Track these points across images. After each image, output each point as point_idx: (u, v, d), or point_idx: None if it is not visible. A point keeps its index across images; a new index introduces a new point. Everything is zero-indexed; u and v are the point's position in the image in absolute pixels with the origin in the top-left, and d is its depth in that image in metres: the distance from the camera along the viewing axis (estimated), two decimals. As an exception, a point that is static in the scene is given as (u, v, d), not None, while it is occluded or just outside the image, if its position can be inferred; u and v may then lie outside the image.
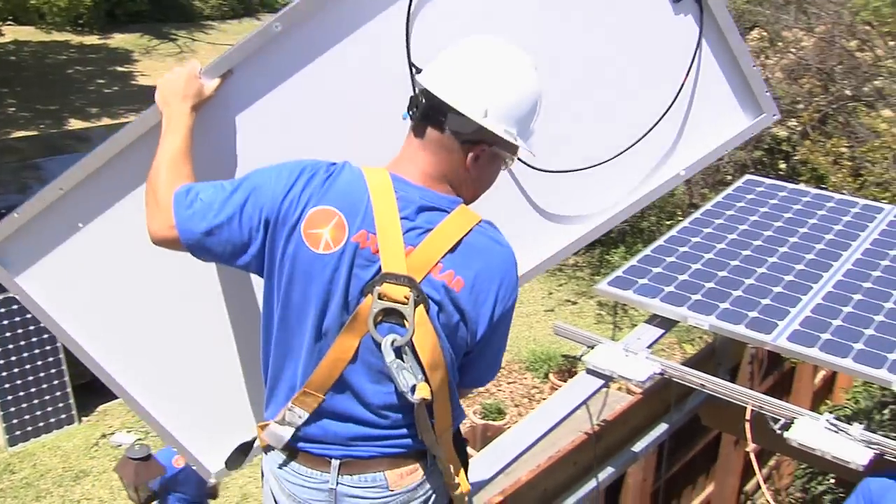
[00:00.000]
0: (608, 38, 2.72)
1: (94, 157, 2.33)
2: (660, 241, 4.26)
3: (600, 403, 3.84)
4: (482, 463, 3.03)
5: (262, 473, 2.26)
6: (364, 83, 2.48)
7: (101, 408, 9.38)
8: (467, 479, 2.25)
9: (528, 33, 2.57)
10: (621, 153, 2.79)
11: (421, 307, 1.94)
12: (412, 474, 2.11)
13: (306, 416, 2.05)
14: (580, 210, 2.86)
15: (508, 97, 2.01)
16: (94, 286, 2.48)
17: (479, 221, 2.04)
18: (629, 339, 3.57)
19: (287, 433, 2.07)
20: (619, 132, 2.81)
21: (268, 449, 2.19)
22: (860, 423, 3.26)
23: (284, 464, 2.14)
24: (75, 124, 18.04)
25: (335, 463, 2.07)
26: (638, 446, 3.89)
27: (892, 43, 9.53)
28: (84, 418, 9.24)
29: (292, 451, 2.13)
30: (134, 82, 21.26)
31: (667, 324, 3.73)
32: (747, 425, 3.41)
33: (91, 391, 9.13)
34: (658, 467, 5.14)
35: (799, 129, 10.20)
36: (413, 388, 1.92)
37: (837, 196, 4.94)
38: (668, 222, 10.54)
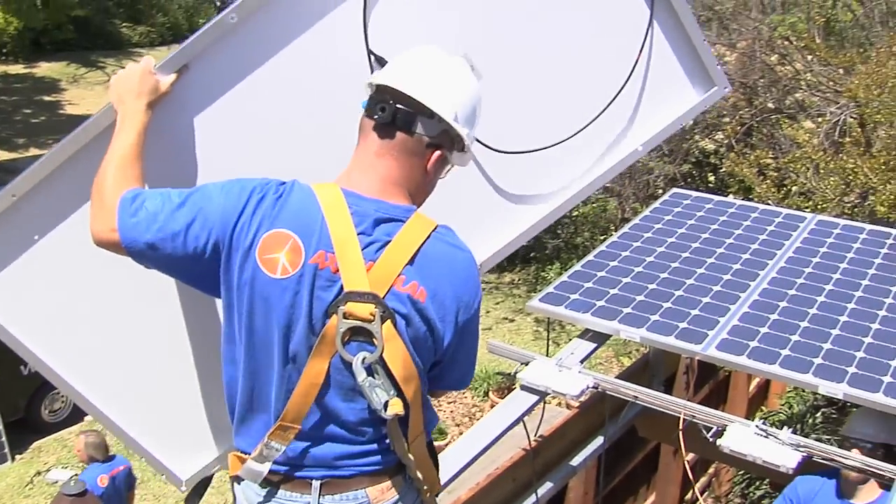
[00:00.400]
0: (560, 20, 2.73)
1: (49, 160, 2.23)
2: (590, 257, 4.33)
3: (538, 419, 3.87)
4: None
5: (234, 497, 2.18)
6: (323, 74, 2.43)
7: (34, 445, 9.14)
8: (439, 481, 2.24)
9: (481, 19, 2.60)
10: (579, 131, 2.80)
11: (388, 322, 1.91)
12: (392, 489, 2.09)
13: (284, 448, 1.99)
14: (540, 190, 2.87)
15: (469, 101, 2.06)
16: (53, 298, 2.38)
17: (436, 227, 2.02)
18: (562, 354, 3.61)
19: (265, 468, 2.02)
20: (575, 112, 2.82)
21: (240, 479, 2.13)
22: (790, 428, 3.34)
23: (262, 489, 2.08)
24: (1, 155, 17.70)
25: (316, 484, 2.03)
26: (576, 460, 3.93)
27: (809, 57, 9.81)
28: (17, 456, 9.00)
29: (270, 479, 2.07)
30: (62, 111, 20.93)
31: (599, 338, 3.79)
32: (680, 434, 3.47)
33: (24, 428, 8.90)
34: (598, 480, 5.19)
35: (726, 141, 10.44)
36: (386, 405, 1.89)
37: (761, 206, 5.07)
38: (601, 237, 10.68)
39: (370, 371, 1.90)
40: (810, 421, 6.70)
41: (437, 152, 2.01)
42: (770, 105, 10.64)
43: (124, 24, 30.41)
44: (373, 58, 2.44)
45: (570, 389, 3.37)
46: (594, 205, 11.24)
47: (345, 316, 1.89)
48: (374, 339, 1.90)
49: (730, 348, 3.61)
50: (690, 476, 3.73)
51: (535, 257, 11.46)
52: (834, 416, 6.71)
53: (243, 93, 2.36)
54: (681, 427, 3.47)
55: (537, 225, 2.90)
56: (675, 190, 5.22)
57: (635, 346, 9.40)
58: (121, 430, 2.55)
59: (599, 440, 4.05)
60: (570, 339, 3.87)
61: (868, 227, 4.80)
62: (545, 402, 3.58)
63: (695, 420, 3.38)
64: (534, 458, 3.72)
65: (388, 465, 2.08)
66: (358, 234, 1.91)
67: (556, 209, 2.92)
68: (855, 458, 3.27)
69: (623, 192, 10.76)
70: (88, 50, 26.17)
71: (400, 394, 1.95)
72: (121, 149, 2.08)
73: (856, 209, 7.31)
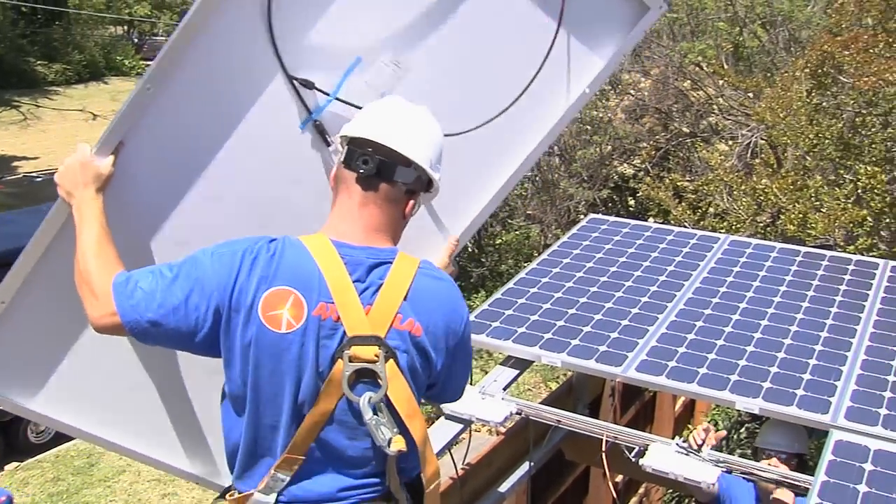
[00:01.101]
0: None
1: (22, 263, 2.30)
2: (510, 284, 4.38)
3: (466, 447, 3.88)
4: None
5: None
6: (252, 114, 2.45)
7: (10, 466, 8.95)
8: None
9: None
10: (519, 96, 2.77)
11: (391, 361, 2.03)
12: None
13: (288, 478, 2.08)
14: (502, 154, 2.88)
15: (438, 147, 2.21)
16: (67, 377, 2.49)
17: (419, 264, 2.14)
18: (485, 381, 3.64)
19: (271, 499, 2.09)
20: (512, 76, 2.78)
21: None
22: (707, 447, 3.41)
23: None
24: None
25: None
26: (504, 486, 3.94)
27: (720, 82, 10.11)
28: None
29: None
30: (-23, 151, 20.48)
31: (522, 364, 3.83)
32: (604, 456, 3.52)
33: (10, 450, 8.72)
34: (531, 505, 5.21)
35: (643, 166, 10.67)
36: (389, 442, 1.99)
37: (676, 229, 5.19)
38: (525, 264, 10.78)
39: (375, 410, 2.01)
40: (735, 437, 6.83)
41: (416, 196, 2.17)
42: (685, 129, 10.94)
43: (39, 63, 29.92)
44: (296, 83, 2.45)
45: (494, 416, 3.40)
46: (517, 232, 11.36)
47: (350, 360, 2.00)
48: (378, 379, 2.02)
49: (649, 369, 3.68)
50: (615, 495, 3.76)
51: (461, 286, 11.50)
52: (757, 430, 6.84)
53: (183, 151, 2.40)
54: (603, 449, 3.52)
55: (507, 184, 2.92)
56: (592, 216, 5.32)
57: (562, 372, 9.49)
58: (153, 460, 2.73)
59: (526, 466, 4.07)
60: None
61: (779, 245, 4.95)
62: (472, 430, 3.60)
63: (617, 441, 3.43)
64: (461, 487, 3.73)
65: (384, 493, 2.16)
66: (353, 282, 2.03)
67: (521, 165, 2.92)
68: (772, 470, 3.36)
69: (545, 218, 10.90)
70: (2, 89, 25.65)
71: (404, 430, 2.05)
72: (90, 239, 2.14)
73: (768, 229, 7.54)
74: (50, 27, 30.93)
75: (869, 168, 6.46)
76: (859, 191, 6.60)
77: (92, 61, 32.90)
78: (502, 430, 3.91)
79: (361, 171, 2.07)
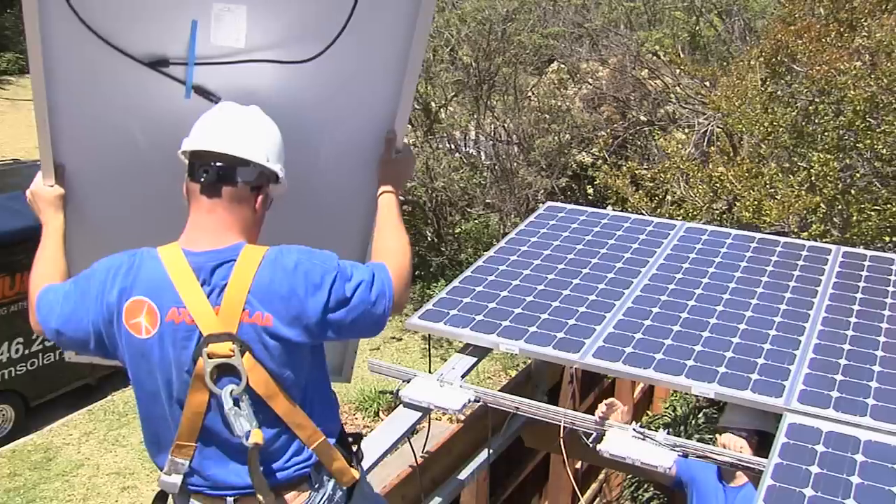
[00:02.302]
0: None
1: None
2: (467, 273, 4.39)
3: (425, 435, 3.88)
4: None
5: None
6: (138, 108, 2.52)
7: None
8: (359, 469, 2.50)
9: None
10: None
11: (247, 354, 2.18)
12: (303, 493, 2.34)
13: (187, 462, 2.28)
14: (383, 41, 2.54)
15: (275, 142, 2.35)
16: None
17: (263, 255, 2.23)
18: (444, 369, 3.64)
19: (177, 480, 2.30)
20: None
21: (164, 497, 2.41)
22: (674, 430, 3.45)
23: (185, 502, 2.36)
24: None
25: (230, 500, 2.31)
26: (463, 474, 3.95)
27: (677, 71, 10.19)
28: None
29: (186, 493, 2.35)
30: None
31: (480, 352, 3.83)
32: (562, 442, 3.54)
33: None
34: (491, 493, 5.23)
35: (602, 154, 10.73)
36: (248, 434, 2.17)
37: (633, 216, 5.23)
38: (485, 253, 10.80)
39: (237, 401, 2.19)
40: (693, 422, 6.90)
41: (264, 190, 2.32)
42: (642, 118, 11.00)
43: (-9, 52, 29.35)
44: (153, 67, 2.46)
45: (452, 404, 3.41)
46: (476, 221, 11.37)
47: (209, 356, 2.17)
48: (237, 373, 2.18)
49: (606, 355, 3.71)
50: (574, 483, 3.80)
51: (420, 275, 11.50)
52: (715, 416, 6.92)
53: (109, 161, 2.57)
54: (561, 435, 3.54)
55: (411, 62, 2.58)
56: (549, 203, 5.34)
57: (522, 360, 9.54)
58: None
59: (486, 453, 4.08)
60: (455, 355, 3.91)
61: (734, 232, 5.01)
62: (431, 419, 3.61)
63: (575, 427, 3.46)
64: (421, 475, 3.73)
65: (293, 478, 2.33)
66: (202, 285, 2.20)
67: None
68: (727, 454, 3.40)
69: (504, 207, 10.92)
70: (-47, 79, 25.16)
71: (268, 411, 2.23)
72: (39, 255, 2.50)
73: (724, 216, 7.61)
74: (1, 15, 30.35)
75: (822, 156, 6.54)
76: (812, 178, 6.68)
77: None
78: (461, 417, 3.91)
79: (202, 180, 2.23)
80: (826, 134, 6.91)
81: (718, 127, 9.26)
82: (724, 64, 9.86)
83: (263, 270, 2.20)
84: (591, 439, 3.48)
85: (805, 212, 6.66)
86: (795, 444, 3.20)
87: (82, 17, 2.30)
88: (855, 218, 6.43)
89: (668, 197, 8.31)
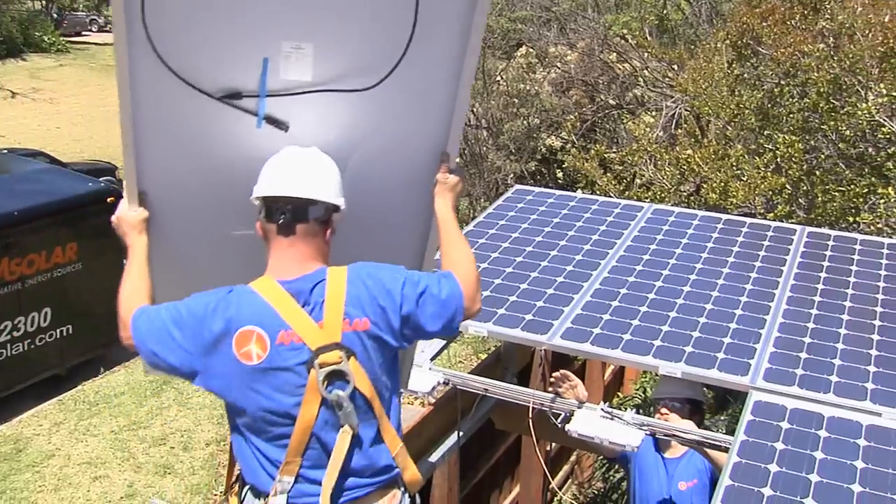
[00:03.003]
0: None
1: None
2: (436, 256, 4.38)
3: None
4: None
5: None
6: (214, 142, 2.69)
7: None
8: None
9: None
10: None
11: (352, 358, 2.43)
12: (396, 497, 2.60)
13: (293, 479, 2.48)
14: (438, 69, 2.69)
15: (336, 179, 2.58)
16: None
17: (346, 270, 2.50)
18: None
19: (283, 500, 2.49)
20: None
21: None
22: (636, 410, 3.49)
23: None
24: None
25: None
26: (434, 456, 3.97)
27: (645, 55, 10.23)
28: None
29: None
30: None
31: (449, 335, 3.84)
32: (531, 423, 3.57)
33: None
34: (463, 475, 5.25)
35: (571, 138, 10.76)
36: (354, 425, 2.43)
37: (601, 199, 5.26)
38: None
39: (348, 400, 2.42)
40: (662, 403, 6.96)
41: (332, 223, 2.56)
42: (611, 101, 11.04)
43: (-47, 39, 28.95)
44: (226, 100, 2.61)
45: (422, 387, 3.42)
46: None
47: (320, 366, 2.41)
48: (346, 377, 2.43)
49: (574, 336, 3.73)
50: (542, 463, 3.83)
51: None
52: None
53: (186, 191, 2.76)
54: (530, 416, 3.57)
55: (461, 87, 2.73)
56: (517, 187, 5.35)
57: (493, 343, 9.56)
58: None
59: (456, 436, 4.10)
60: (425, 339, 3.92)
61: (700, 213, 5.05)
62: (402, 403, 3.61)
63: (543, 408, 3.48)
64: (392, 458, 3.74)
65: (390, 479, 2.58)
66: (301, 306, 2.44)
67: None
68: (693, 431, 3.44)
69: (473, 191, 10.94)
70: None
71: (371, 410, 2.49)
72: (128, 275, 2.68)
73: (692, 198, 7.66)
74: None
75: (787, 137, 6.60)
76: (778, 160, 6.74)
77: (9, 37, 31.92)
78: (431, 401, 3.93)
79: (280, 221, 2.49)
80: (791, 116, 6.98)
81: (686, 110, 9.32)
82: (692, 47, 9.93)
83: (351, 284, 2.47)
84: (559, 420, 3.51)
85: (771, 193, 6.73)
86: (761, 422, 3.25)
87: (164, 59, 2.49)
88: (820, 199, 6.50)
89: (637, 180, 8.35)
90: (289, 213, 2.49)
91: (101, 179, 11.57)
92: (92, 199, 10.47)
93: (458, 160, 2.80)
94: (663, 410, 3.98)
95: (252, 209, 2.58)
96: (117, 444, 9.18)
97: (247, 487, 2.62)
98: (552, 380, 3.66)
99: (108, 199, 10.50)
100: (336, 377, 2.44)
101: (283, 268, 2.51)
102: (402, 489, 2.65)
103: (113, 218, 2.77)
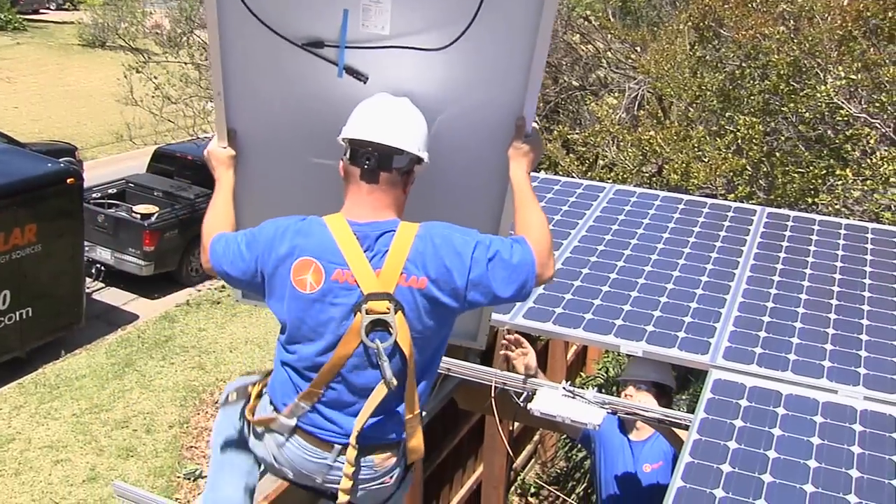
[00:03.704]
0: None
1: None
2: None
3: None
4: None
5: (254, 432, 2.80)
6: (297, 87, 2.81)
7: None
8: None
9: None
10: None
11: (399, 313, 2.47)
12: (392, 458, 2.68)
13: (309, 407, 2.60)
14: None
15: (423, 131, 2.60)
16: None
17: (418, 227, 2.53)
18: (376, 333, 3.64)
19: (293, 422, 2.64)
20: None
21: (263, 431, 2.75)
22: (598, 390, 3.52)
23: (287, 439, 2.68)
24: None
25: (337, 447, 2.63)
26: (397, 437, 3.98)
27: (609, 36, 10.25)
28: None
29: (293, 430, 2.67)
30: None
31: (412, 315, 3.83)
32: (493, 402, 3.58)
33: None
34: (427, 455, 5.26)
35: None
36: (391, 380, 2.45)
37: (563, 179, 5.28)
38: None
39: (387, 352, 2.46)
40: (624, 382, 7.02)
41: (413, 174, 2.60)
42: (574, 83, 11.05)
43: None
44: (308, 48, 2.71)
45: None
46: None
47: (367, 312, 2.46)
48: (389, 329, 2.46)
49: (536, 316, 3.75)
50: (506, 443, 3.85)
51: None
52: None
53: (272, 131, 2.93)
54: (493, 395, 3.59)
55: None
56: (481, 167, 5.34)
57: (459, 324, 9.59)
58: None
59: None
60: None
61: (662, 193, 5.09)
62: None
63: (506, 387, 3.50)
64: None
65: (392, 440, 2.66)
66: (364, 251, 2.50)
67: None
68: (654, 409, 3.48)
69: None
70: None
71: (405, 368, 2.52)
72: (212, 206, 2.87)
73: (653, 179, 7.71)
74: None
75: (748, 119, 6.66)
76: (739, 141, 6.80)
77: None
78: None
79: (365, 166, 2.52)
80: (752, 98, 7.04)
81: (649, 91, 9.36)
82: (654, 29, 9.96)
83: (419, 241, 2.49)
84: (521, 399, 3.53)
85: (731, 174, 6.79)
86: (720, 400, 3.29)
87: (251, 8, 2.66)
88: (779, 180, 6.57)
89: (600, 161, 8.38)
90: (374, 160, 2.53)
91: (60, 160, 11.35)
92: (51, 179, 10.29)
93: (535, 125, 2.77)
94: (630, 392, 4.00)
95: (335, 148, 2.64)
96: (79, 427, 9.11)
97: (267, 394, 2.76)
98: (504, 342, 3.67)
99: (68, 180, 10.37)
100: (379, 326, 2.48)
101: (358, 211, 2.57)
102: (400, 454, 2.72)
103: (204, 152, 2.98)
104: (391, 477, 2.74)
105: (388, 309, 2.47)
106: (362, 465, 2.65)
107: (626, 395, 3.98)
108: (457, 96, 2.78)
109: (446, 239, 2.50)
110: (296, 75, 2.80)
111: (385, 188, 2.56)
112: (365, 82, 2.73)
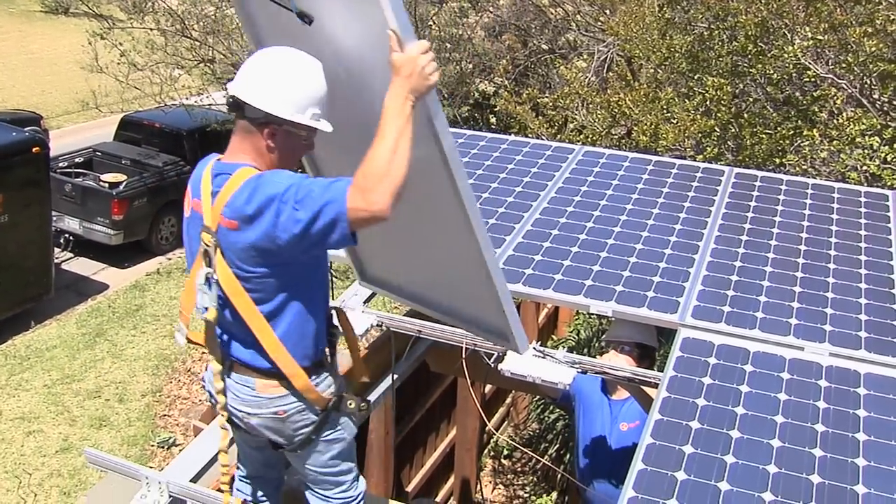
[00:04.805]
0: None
1: None
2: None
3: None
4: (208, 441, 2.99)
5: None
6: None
7: None
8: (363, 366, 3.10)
9: None
10: None
11: (218, 250, 2.61)
12: (275, 388, 2.74)
13: (185, 327, 2.81)
14: None
15: (298, 93, 2.61)
16: None
17: (252, 174, 2.59)
18: (345, 295, 3.65)
19: (182, 340, 2.84)
20: None
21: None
22: (566, 350, 3.54)
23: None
24: None
25: (228, 363, 2.79)
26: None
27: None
28: None
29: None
30: None
31: (382, 278, 3.83)
32: (464, 363, 3.59)
33: None
34: (399, 419, 5.29)
35: (503, 83, 10.72)
36: (205, 310, 2.65)
37: (533, 141, 5.26)
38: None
39: (208, 282, 2.64)
40: (596, 345, 7.08)
41: (271, 127, 2.63)
42: (544, 46, 11.01)
43: None
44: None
45: (355, 329, 3.41)
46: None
47: (204, 243, 2.65)
48: (210, 262, 2.63)
49: (507, 277, 3.70)
50: (478, 405, 3.86)
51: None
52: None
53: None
54: (463, 356, 3.60)
55: None
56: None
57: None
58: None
59: (390, 379, 4.12)
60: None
61: (631, 155, 5.09)
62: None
63: (476, 348, 3.51)
64: (327, 403, 3.75)
65: (265, 368, 2.73)
66: (213, 189, 2.65)
67: None
68: (623, 368, 3.50)
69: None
70: None
71: (230, 307, 2.66)
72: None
73: (623, 141, 7.72)
74: None
75: (716, 80, 6.66)
76: (707, 102, 6.81)
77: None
78: (365, 343, 3.93)
79: (229, 108, 2.71)
80: (720, 59, 7.04)
81: (618, 54, 9.34)
82: (624, -10, 9.89)
83: (245, 186, 2.57)
84: (492, 360, 3.54)
85: (700, 135, 6.80)
86: (689, 358, 3.32)
87: None
88: (747, 141, 6.59)
89: (569, 123, 8.37)
90: (231, 106, 2.70)
91: (25, 129, 11.19)
92: (17, 149, 10.14)
93: (426, 44, 2.47)
94: (609, 356, 4.03)
95: None
96: (51, 398, 9.05)
97: None
98: None
99: (34, 150, 10.22)
100: (207, 257, 2.67)
101: (227, 150, 2.75)
102: (295, 391, 2.74)
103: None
104: (285, 412, 2.77)
105: (210, 244, 2.64)
106: (238, 382, 2.77)
107: (607, 357, 4.01)
108: (377, 49, 2.52)
109: (265, 183, 2.56)
110: (275, 22, 2.93)
111: (242, 135, 2.70)
112: (309, 24, 2.74)
